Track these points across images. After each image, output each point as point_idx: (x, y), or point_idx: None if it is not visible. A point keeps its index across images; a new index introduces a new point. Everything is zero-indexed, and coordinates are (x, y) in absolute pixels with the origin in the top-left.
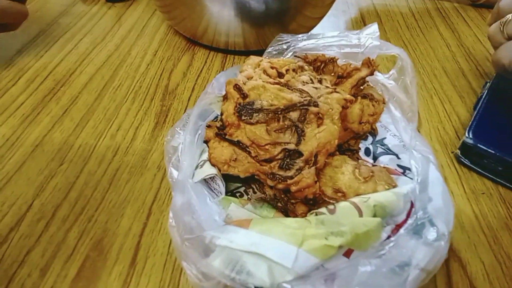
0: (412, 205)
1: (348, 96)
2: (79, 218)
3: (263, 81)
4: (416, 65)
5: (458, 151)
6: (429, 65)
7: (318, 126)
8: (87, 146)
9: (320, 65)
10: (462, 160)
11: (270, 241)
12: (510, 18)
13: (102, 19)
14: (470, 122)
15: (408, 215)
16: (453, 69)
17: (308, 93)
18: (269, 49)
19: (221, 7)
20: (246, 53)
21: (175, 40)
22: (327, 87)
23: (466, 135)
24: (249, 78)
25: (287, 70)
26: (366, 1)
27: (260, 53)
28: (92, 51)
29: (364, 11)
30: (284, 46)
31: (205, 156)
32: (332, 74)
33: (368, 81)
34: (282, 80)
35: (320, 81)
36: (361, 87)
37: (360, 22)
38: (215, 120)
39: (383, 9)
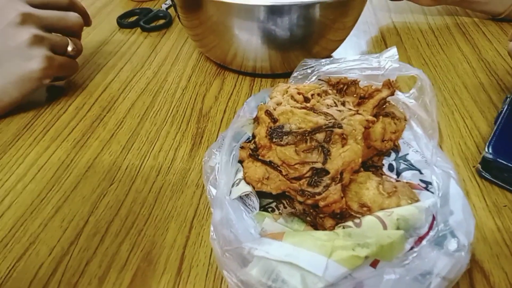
0: (433, 218)
1: (370, 117)
2: (130, 232)
3: (291, 106)
4: (437, 82)
5: (479, 166)
6: (449, 81)
7: (343, 146)
8: (133, 167)
9: (343, 87)
10: (483, 174)
11: (302, 252)
12: None
13: (140, 48)
14: (490, 137)
15: (430, 228)
16: (473, 85)
17: (332, 115)
18: (295, 74)
19: (248, 35)
20: (272, 76)
21: (206, 66)
22: (350, 109)
23: (486, 150)
24: (278, 104)
25: (312, 95)
26: (386, 20)
27: (285, 75)
28: (133, 79)
29: (384, 30)
30: (309, 71)
31: (240, 175)
32: (355, 95)
33: (389, 101)
34: (308, 105)
35: (343, 104)
36: (383, 107)
37: (380, 41)
38: (247, 141)
39: (403, 27)
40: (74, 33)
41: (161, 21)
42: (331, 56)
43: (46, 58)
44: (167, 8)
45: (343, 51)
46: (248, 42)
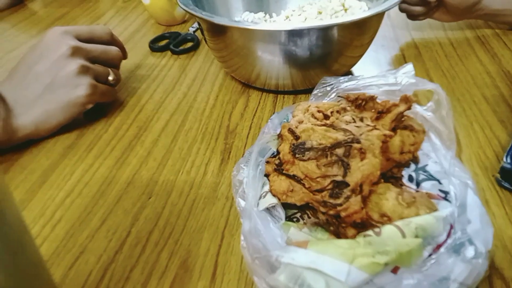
0: (451, 227)
1: (387, 132)
2: (168, 241)
3: (312, 124)
4: (455, 94)
5: (498, 175)
6: (468, 93)
7: (362, 159)
8: (169, 182)
9: (361, 102)
10: (502, 183)
11: (325, 259)
12: None
13: (170, 70)
14: (509, 147)
15: (448, 236)
16: (493, 95)
17: (351, 131)
18: (315, 91)
19: (271, 56)
20: (294, 92)
21: (232, 85)
22: (367, 125)
23: (504, 160)
24: (300, 122)
25: (331, 112)
26: (404, 34)
27: (306, 91)
28: (165, 100)
29: (402, 44)
30: (328, 88)
31: (266, 188)
32: (373, 110)
33: (407, 115)
34: (328, 122)
35: (361, 119)
36: (401, 120)
37: (399, 55)
38: (272, 156)
39: (421, 41)
40: (114, 64)
41: (189, 44)
42: (350, 72)
43: (91, 86)
44: (194, 31)
45: (362, 66)
46: (271, 62)
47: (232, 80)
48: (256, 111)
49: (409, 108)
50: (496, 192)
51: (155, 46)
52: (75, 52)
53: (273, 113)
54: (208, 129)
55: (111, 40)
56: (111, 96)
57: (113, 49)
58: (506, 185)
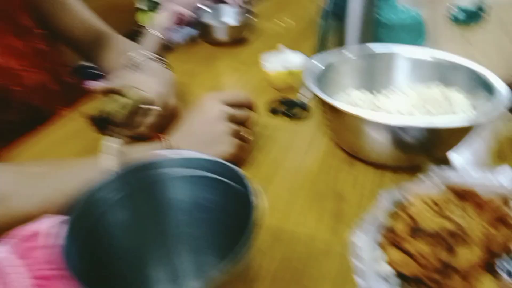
0: None
1: (489, 228)
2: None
3: (425, 210)
4: None
5: None
6: None
7: (466, 248)
8: (291, 237)
9: (464, 194)
10: None
11: None
12: None
13: (285, 132)
14: None
15: None
16: None
17: (458, 222)
18: (422, 177)
19: (379, 139)
20: (396, 168)
21: (337, 152)
22: (472, 218)
23: None
24: (415, 206)
25: (441, 201)
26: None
27: (407, 170)
28: (281, 158)
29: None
30: (433, 176)
31: (380, 255)
32: (473, 203)
33: (506, 211)
34: (437, 209)
35: (465, 211)
36: (501, 216)
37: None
38: (387, 229)
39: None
40: (250, 126)
41: (301, 110)
42: (448, 160)
43: (237, 145)
44: (305, 100)
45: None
46: (378, 143)
47: (337, 147)
48: (358, 180)
49: (507, 207)
50: None
51: (273, 109)
52: (224, 115)
53: (376, 185)
54: (320, 190)
55: (249, 105)
56: (248, 152)
57: (252, 114)
58: None
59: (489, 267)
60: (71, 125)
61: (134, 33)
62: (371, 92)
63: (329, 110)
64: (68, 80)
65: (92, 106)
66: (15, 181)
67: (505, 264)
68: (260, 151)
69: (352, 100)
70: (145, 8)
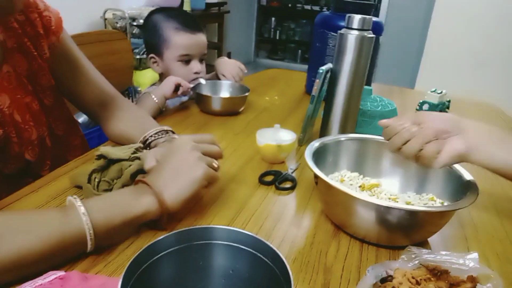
0: None
1: None
2: None
3: (406, 285)
4: (508, 275)
5: None
6: None
7: None
8: None
9: (438, 273)
10: None
11: None
12: None
13: (276, 203)
14: None
15: None
16: None
17: None
18: (403, 256)
19: (367, 216)
20: (378, 245)
21: (326, 226)
22: None
23: None
24: (400, 283)
25: (421, 279)
26: (465, 215)
27: (387, 247)
28: (273, 229)
29: (465, 224)
30: (413, 255)
31: None
32: (446, 281)
33: None
34: (419, 287)
35: None
36: None
37: (462, 234)
38: None
39: (481, 224)
40: (215, 157)
41: (289, 183)
42: (427, 241)
43: (205, 169)
44: (292, 172)
45: (438, 237)
46: (365, 221)
47: (326, 220)
48: (346, 255)
49: (474, 286)
50: None
51: (263, 180)
52: (195, 148)
53: (360, 260)
54: (310, 263)
55: (214, 143)
56: (216, 178)
57: (215, 147)
58: None
59: None
60: (56, 185)
61: (129, 91)
62: (360, 173)
63: (323, 186)
64: (61, 134)
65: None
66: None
67: None
68: (251, 220)
69: (342, 179)
70: (135, 66)
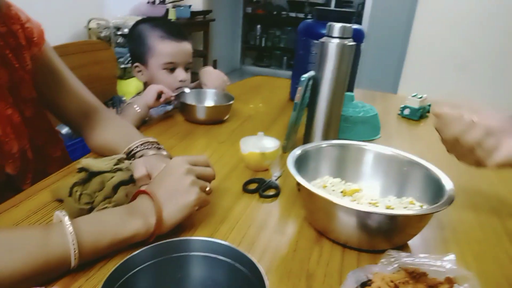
0: None
1: None
2: None
3: None
4: (484, 275)
5: None
6: (494, 276)
7: None
8: None
9: (416, 275)
10: None
11: None
12: None
13: (260, 211)
14: None
15: None
16: None
17: None
18: (383, 260)
19: (348, 221)
20: (360, 250)
21: (308, 232)
22: None
23: None
24: (378, 287)
25: (399, 283)
26: (446, 217)
27: (368, 251)
28: (257, 238)
29: (445, 225)
30: (392, 259)
31: None
32: (424, 284)
33: None
34: None
35: None
36: None
37: (442, 235)
38: None
39: (460, 226)
40: (209, 180)
41: (273, 191)
42: (407, 244)
43: (198, 194)
44: (276, 179)
45: (418, 240)
46: (345, 225)
47: (309, 226)
48: (328, 261)
49: (451, 287)
50: None
51: (247, 188)
52: (189, 172)
53: (342, 264)
54: (293, 270)
55: (208, 165)
56: (208, 203)
57: (208, 170)
58: None
59: None
60: (37, 199)
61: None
62: (342, 179)
63: (305, 193)
64: (42, 146)
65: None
66: None
67: None
68: (235, 228)
69: (324, 185)
70: (118, 75)
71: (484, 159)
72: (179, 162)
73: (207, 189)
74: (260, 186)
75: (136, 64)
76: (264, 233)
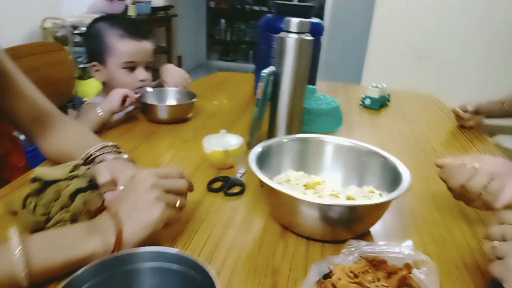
0: None
1: None
2: None
3: (347, 281)
4: (442, 258)
5: None
6: (452, 258)
7: None
8: None
9: (376, 263)
10: None
11: None
12: (496, 245)
13: (225, 210)
14: None
15: None
16: (471, 261)
17: None
18: (344, 250)
19: (310, 214)
20: (323, 241)
21: (273, 227)
22: (383, 285)
23: None
24: (339, 279)
25: (359, 273)
26: (404, 203)
27: (334, 242)
28: (222, 237)
29: (405, 211)
30: (352, 249)
31: None
32: (384, 270)
33: (409, 275)
34: (357, 280)
35: (378, 280)
36: (405, 280)
37: (402, 222)
38: None
39: (418, 211)
40: (182, 193)
41: (238, 188)
42: (369, 232)
43: (162, 211)
44: (241, 176)
45: (379, 227)
46: (307, 218)
47: (274, 222)
48: (293, 255)
49: (409, 272)
50: None
51: (211, 187)
52: (155, 187)
53: (308, 257)
54: (258, 267)
55: (182, 177)
56: (177, 220)
57: (180, 183)
58: None
59: None
60: None
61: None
62: (305, 172)
63: (268, 189)
64: (1, 153)
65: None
66: None
67: None
68: (200, 229)
69: (288, 179)
70: (78, 75)
71: (491, 202)
72: (145, 176)
73: (177, 204)
74: (225, 184)
75: (94, 63)
76: (230, 232)
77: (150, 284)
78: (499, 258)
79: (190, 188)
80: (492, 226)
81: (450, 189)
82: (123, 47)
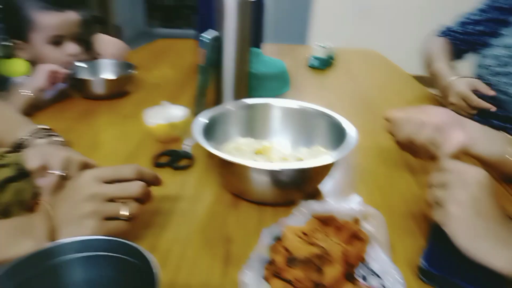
0: None
1: (346, 247)
2: None
3: (297, 242)
4: (390, 209)
5: (419, 273)
6: (399, 209)
7: (330, 266)
8: (184, 285)
9: (326, 220)
10: (422, 279)
11: None
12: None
13: (173, 184)
14: (423, 253)
15: None
16: (418, 211)
17: (323, 247)
18: (295, 211)
19: (261, 181)
20: (276, 205)
21: (225, 197)
22: (333, 241)
23: (420, 261)
24: (290, 240)
25: (309, 232)
26: (357, 167)
27: (285, 205)
28: (173, 213)
29: (356, 176)
30: (303, 209)
31: None
32: (333, 226)
33: (358, 229)
34: (306, 239)
35: (328, 235)
36: (354, 234)
37: (353, 182)
38: (268, 263)
39: (367, 165)
40: (137, 199)
41: (186, 161)
42: (319, 190)
43: (93, 229)
44: (188, 149)
45: (329, 186)
46: (258, 185)
47: (225, 192)
48: (246, 222)
49: (359, 226)
50: (419, 286)
51: (158, 162)
52: (94, 197)
53: (260, 223)
54: (211, 238)
55: (138, 178)
56: (122, 230)
57: (132, 186)
58: (425, 280)
59: (350, 276)
60: None
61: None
62: (254, 138)
63: (217, 160)
64: None
65: None
66: None
67: (360, 271)
68: (149, 206)
69: (237, 147)
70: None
71: (437, 153)
72: (85, 182)
73: (121, 212)
74: (173, 159)
75: (15, 41)
76: (180, 206)
77: (82, 276)
78: (440, 205)
79: (156, 182)
80: (433, 175)
81: (397, 142)
82: (45, 20)
